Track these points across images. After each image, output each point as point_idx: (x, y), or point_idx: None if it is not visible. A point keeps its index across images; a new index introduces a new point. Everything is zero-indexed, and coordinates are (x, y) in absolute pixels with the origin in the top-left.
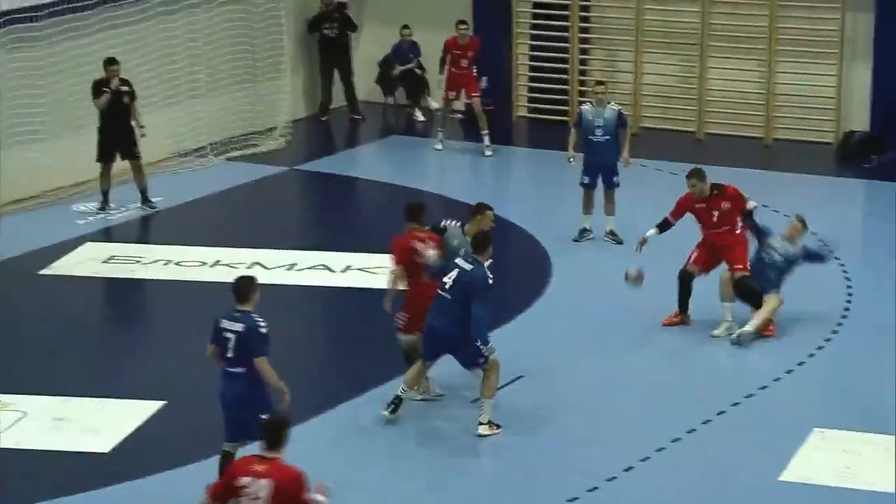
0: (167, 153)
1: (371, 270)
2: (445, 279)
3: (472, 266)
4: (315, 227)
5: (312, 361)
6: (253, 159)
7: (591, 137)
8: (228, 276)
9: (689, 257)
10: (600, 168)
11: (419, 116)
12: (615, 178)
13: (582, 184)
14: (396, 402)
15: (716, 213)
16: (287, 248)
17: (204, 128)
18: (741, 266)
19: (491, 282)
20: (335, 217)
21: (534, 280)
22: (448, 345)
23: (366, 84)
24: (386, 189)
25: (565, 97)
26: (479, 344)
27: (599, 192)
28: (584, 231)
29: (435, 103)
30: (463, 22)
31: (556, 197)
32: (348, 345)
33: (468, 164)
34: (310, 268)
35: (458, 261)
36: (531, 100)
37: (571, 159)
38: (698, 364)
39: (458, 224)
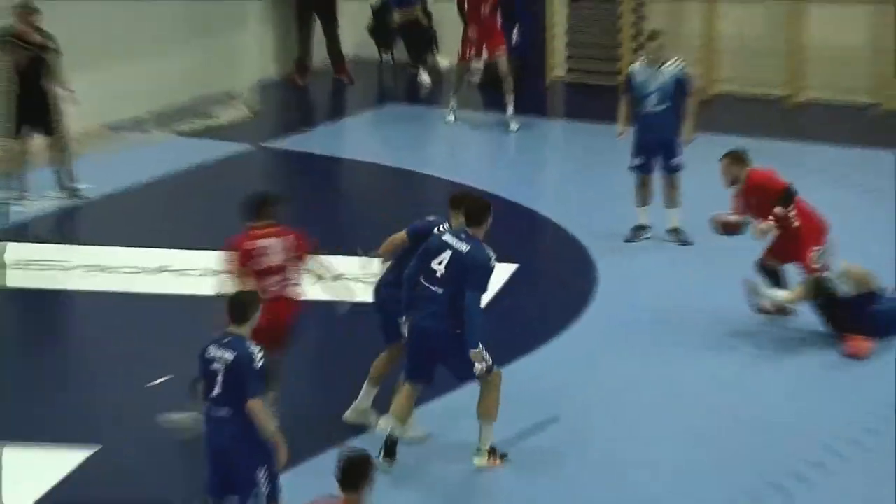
0: (97, 126)
1: (363, 279)
2: (434, 265)
3: (468, 245)
4: (290, 222)
5: (286, 395)
6: (209, 134)
7: (643, 106)
8: (177, 286)
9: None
10: (656, 146)
11: (424, 79)
12: (676, 160)
13: (633, 167)
14: (390, 445)
15: (750, 206)
16: None
17: (145, 93)
18: (804, 264)
19: (494, 266)
20: (316, 209)
21: (574, 293)
22: (440, 351)
23: (355, 37)
24: (381, 173)
25: (615, 53)
26: (471, 347)
27: (658, 177)
28: (638, 228)
29: (445, 62)
30: None
31: (602, 184)
32: (334, 373)
33: (488, 142)
34: None
35: (449, 239)
36: (571, 57)
37: (622, 135)
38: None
39: (446, 226)
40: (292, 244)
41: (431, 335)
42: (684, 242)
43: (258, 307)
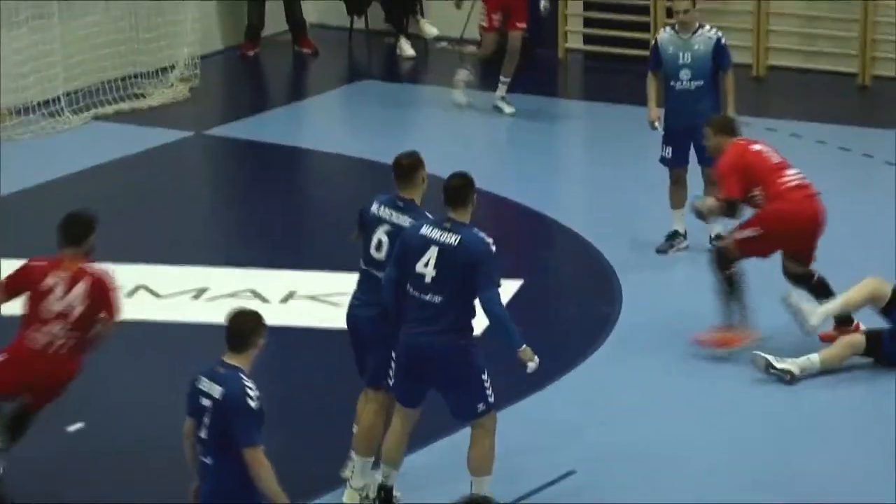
0: None
1: (325, 299)
2: (420, 268)
3: (457, 235)
4: (237, 231)
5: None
6: (136, 118)
7: (673, 83)
8: None
9: None
10: (689, 132)
11: (406, 50)
12: None
13: (663, 160)
14: (385, 496)
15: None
16: (191, 264)
17: (56, 68)
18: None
19: (494, 250)
20: (270, 214)
21: (592, 315)
22: (438, 373)
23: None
24: (351, 166)
25: (645, 20)
26: (517, 347)
27: (697, 172)
28: (673, 236)
29: (432, 29)
30: None
31: (628, 181)
32: (299, 412)
33: (485, 128)
34: (230, 295)
35: (430, 232)
36: (589, 23)
37: (657, 122)
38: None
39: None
40: (91, 294)
41: (430, 353)
42: None
43: (263, 333)
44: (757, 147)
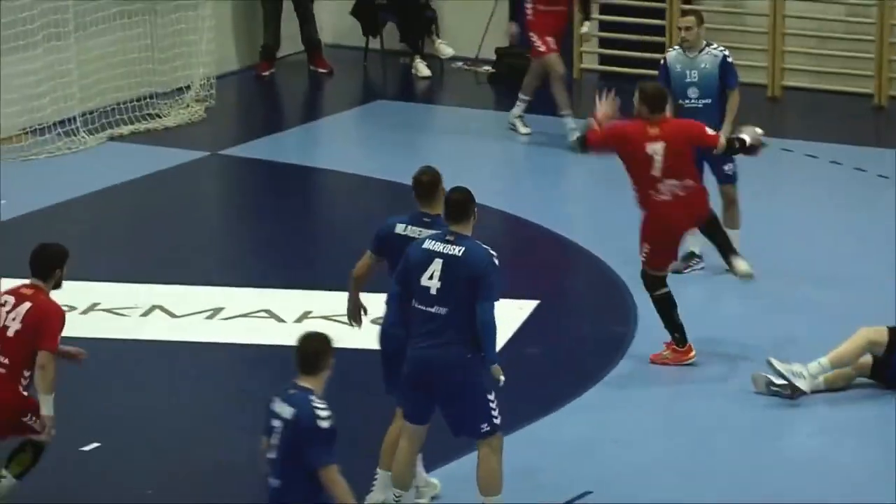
0: (12, 129)
1: (339, 319)
2: (424, 281)
3: (461, 247)
4: (252, 251)
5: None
6: (152, 139)
7: (682, 102)
8: (113, 328)
9: None
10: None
11: (422, 70)
12: (728, 167)
13: None
14: None
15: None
16: (206, 284)
17: (72, 88)
18: None
19: (497, 264)
20: (285, 234)
21: (607, 335)
22: (445, 388)
23: (335, 19)
24: (366, 186)
25: (660, 40)
26: (491, 362)
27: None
28: (688, 257)
29: (448, 49)
30: None
31: None
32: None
33: (500, 148)
34: (244, 315)
35: (433, 245)
36: (605, 44)
37: None
38: None
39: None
40: (31, 317)
41: (435, 365)
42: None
43: (332, 354)
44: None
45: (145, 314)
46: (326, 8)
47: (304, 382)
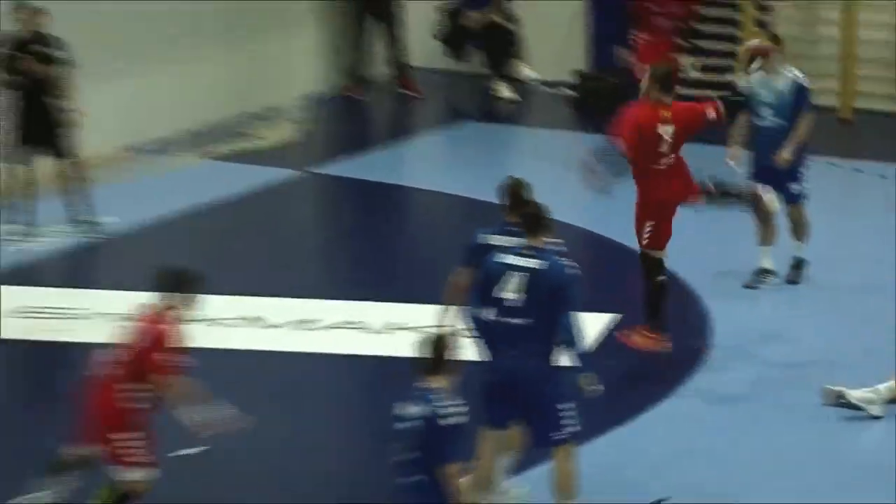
0: (116, 149)
1: (424, 330)
2: (505, 294)
3: (542, 260)
4: (343, 265)
5: (342, 468)
6: (248, 158)
7: (758, 122)
8: (213, 337)
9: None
10: (775, 171)
11: (505, 93)
12: (796, 186)
13: None
14: None
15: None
16: (297, 296)
17: (173, 110)
18: None
19: (578, 274)
20: (374, 249)
21: (682, 348)
22: (527, 398)
23: (422, 44)
24: (451, 204)
25: (731, 63)
26: (578, 368)
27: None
28: (763, 272)
29: (531, 73)
30: None
31: (718, 216)
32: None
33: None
34: (333, 326)
35: (514, 260)
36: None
37: (733, 160)
38: None
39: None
40: (151, 339)
41: (520, 377)
42: (792, 281)
43: (455, 356)
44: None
45: (247, 324)
46: (413, 34)
47: (428, 383)
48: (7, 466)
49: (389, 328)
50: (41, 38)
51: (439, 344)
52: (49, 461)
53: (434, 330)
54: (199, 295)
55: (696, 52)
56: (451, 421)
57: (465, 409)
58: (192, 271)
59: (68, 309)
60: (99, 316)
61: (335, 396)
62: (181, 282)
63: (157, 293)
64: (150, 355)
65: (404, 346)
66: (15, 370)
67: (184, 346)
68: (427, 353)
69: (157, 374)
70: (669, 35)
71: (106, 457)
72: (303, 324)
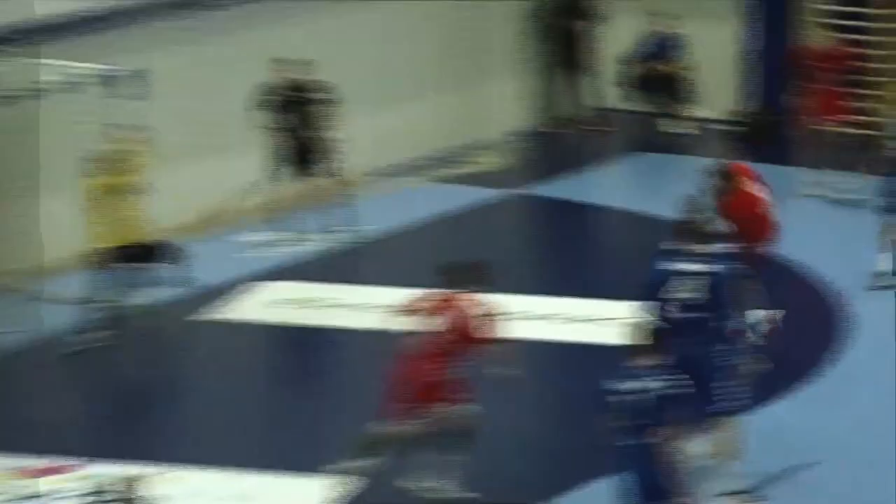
0: (365, 170)
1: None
2: (680, 295)
3: (713, 264)
4: (548, 266)
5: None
6: (467, 180)
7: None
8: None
9: None
10: None
11: (678, 129)
12: None
13: (877, 207)
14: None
15: None
16: (526, 294)
17: (400, 142)
18: None
19: (741, 273)
20: (567, 254)
21: (818, 347)
22: (704, 379)
23: (607, 85)
24: (635, 220)
25: (862, 105)
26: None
27: None
28: (883, 275)
29: (701, 111)
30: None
31: (859, 227)
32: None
33: None
34: (541, 317)
35: (681, 263)
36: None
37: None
38: None
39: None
40: (461, 316)
41: (703, 363)
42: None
43: (663, 335)
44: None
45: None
46: (601, 77)
47: (641, 361)
48: (310, 441)
49: (589, 319)
50: (302, 85)
51: (646, 331)
52: (359, 437)
53: (637, 320)
54: (487, 285)
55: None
56: (662, 392)
57: (672, 382)
58: (480, 264)
59: (334, 300)
60: (361, 306)
61: (572, 378)
62: (472, 273)
63: (449, 284)
64: (466, 329)
65: (608, 335)
66: (287, 352)
67: (489, 316)
68: (637, 339)
69: (476, 344)
70: (832, 87)
71: (432, 416)
72: (532, 317)
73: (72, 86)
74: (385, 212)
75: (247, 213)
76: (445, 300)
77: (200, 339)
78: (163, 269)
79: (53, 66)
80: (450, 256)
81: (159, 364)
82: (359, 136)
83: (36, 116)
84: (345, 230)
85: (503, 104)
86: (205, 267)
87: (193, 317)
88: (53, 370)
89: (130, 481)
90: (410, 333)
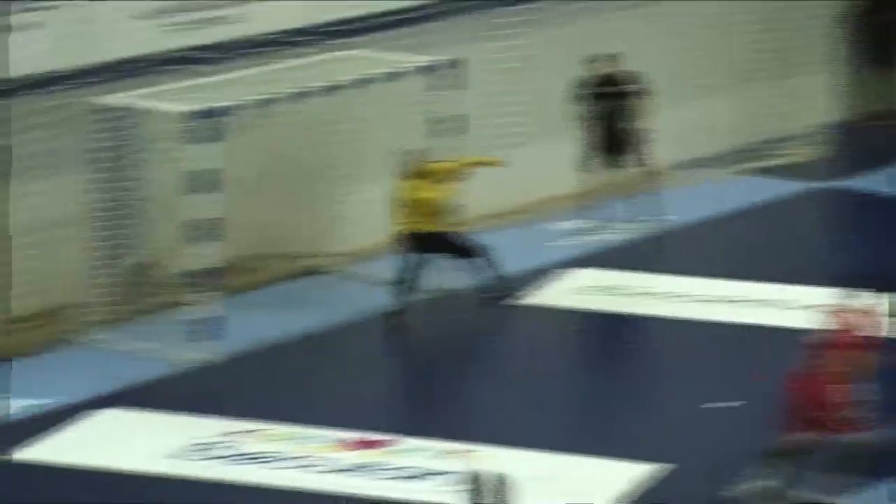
0: (670, 161)
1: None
2: None
3: None
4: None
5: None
6: (773, 173)
7: None
8: (742, 315)
9: None
10: None
11: None
12: None
13: None
14: None
15: None
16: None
17: (709, 133)
18: None
19: None
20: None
21: None
22: None
23: None
24: None
25: None
26: None
27: None
28: None
29: None
30: None
31: None
32: None
33: None
34: (754, 301)
35: None
36: None
37: None
38: None
39: None
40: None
41: None
42: None
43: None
44: None
45: (787, 307)
46: None
47: None
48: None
49: (804, 306)
50: (615, 77)
51: None
52: (765, 448)
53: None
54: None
55: None
56: None
57: None
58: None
59: (642, 288)
60: (654, 294)
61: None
62: (878, 283)
63: (857, 292)
64: (871, 344)
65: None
66: (597, 338)
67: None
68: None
69: (864, 358)
70: None
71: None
72: (722, 300)
73: (393, 77)
74: (692, 203)
75: (557, 202)
76: (863, 311)
77: (512, 323)
78: (471, 259)
79: (376, 59)
80: (752, 248)
81: (471, 345)
82: (668, 128)
83: (357, 107)
84: (651, 220)
85: (813, 97)
86: (515, 254)
87: (505, 301)
88: (368, 348)
89: (501, 480)
90: (815, 341)
